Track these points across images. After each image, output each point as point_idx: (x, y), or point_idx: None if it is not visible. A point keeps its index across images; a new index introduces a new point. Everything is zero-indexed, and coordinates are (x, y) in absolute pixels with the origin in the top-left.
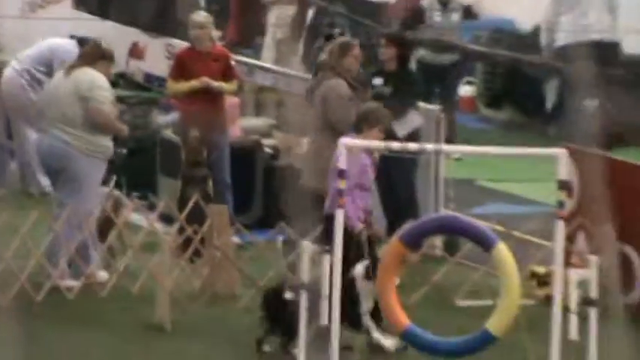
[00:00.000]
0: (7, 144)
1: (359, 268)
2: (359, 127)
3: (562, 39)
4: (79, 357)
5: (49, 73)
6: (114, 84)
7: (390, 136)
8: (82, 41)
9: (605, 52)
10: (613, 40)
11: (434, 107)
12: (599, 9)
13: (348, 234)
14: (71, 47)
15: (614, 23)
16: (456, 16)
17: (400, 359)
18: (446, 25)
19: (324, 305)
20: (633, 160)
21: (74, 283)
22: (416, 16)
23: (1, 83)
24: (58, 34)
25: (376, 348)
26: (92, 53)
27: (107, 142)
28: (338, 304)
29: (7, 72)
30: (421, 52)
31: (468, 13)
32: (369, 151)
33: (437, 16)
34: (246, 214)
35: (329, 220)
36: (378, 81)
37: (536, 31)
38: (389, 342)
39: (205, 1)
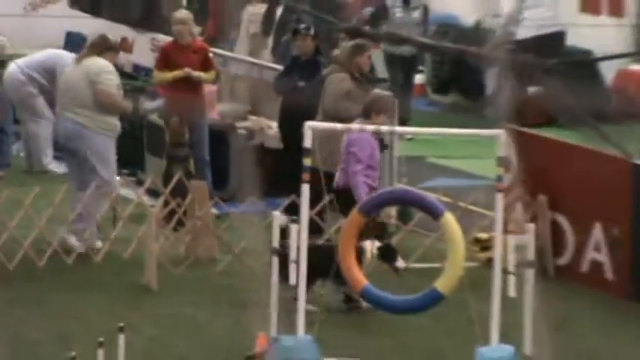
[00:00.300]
0: (12, 129)
1: (368, 243)
2: (367, 113)
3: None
4: (77, 315)
5: (51, 80)
6: None
7: (350, 117)
8: (75, 35)
9: (551, 42)
10: (559, 31)
11: (387, 93)
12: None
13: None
14: (70, 58)
15: (558, 16)
16: (416, 14)
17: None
18: (407, 21)
19: (293, 268)
20: (563, 138)
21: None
22: (380, 13)
23: (5, 78)
24: (56, 30)
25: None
26: (100, 44)
27: (115, 121)
28: (304, 266)
29: (10, 68)
30: (385, 45)
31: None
32: (376, 135)
33: (399, 13)
34: (223, 188)
35: (339, 192)
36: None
37: (477, 25)
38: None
39: (187, 0)
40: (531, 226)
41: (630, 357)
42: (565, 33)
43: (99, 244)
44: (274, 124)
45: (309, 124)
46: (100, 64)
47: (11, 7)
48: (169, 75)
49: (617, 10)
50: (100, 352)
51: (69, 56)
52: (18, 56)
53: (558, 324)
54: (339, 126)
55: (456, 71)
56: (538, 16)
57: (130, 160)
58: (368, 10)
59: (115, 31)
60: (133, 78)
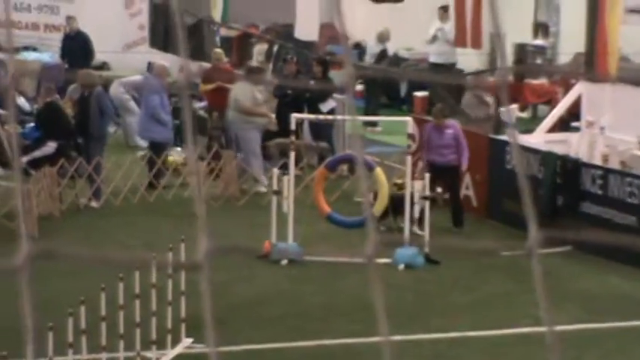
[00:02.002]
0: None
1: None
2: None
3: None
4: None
5: (139, 92)
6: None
7: (318, 111)
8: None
9: (446, 69)
10: (451, 62)
11: (341, 96)
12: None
13: None
14: (151, 80)
15: (452, 50)
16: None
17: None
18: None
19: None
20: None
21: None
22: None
23: (111, 89)
24: (142, 60)
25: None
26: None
27: (258, 120)
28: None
29: (115, 84)
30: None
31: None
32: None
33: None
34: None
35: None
36: (311, 82)
37: (382, 53)
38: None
39: (220, 42)
40: (427, 174)
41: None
42: (456, 63)
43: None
44: (273, 116)
45: (294, 116)
46: (241, 87)
47: (114, 46)
48: (210, 86)
49: (476, 44)
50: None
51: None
52: (118, 77)
53: (445, 233)
54: (311, 117)
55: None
56: (442, 49)
57: (185, 139)
58: (330, 47)
59: (177, 60)
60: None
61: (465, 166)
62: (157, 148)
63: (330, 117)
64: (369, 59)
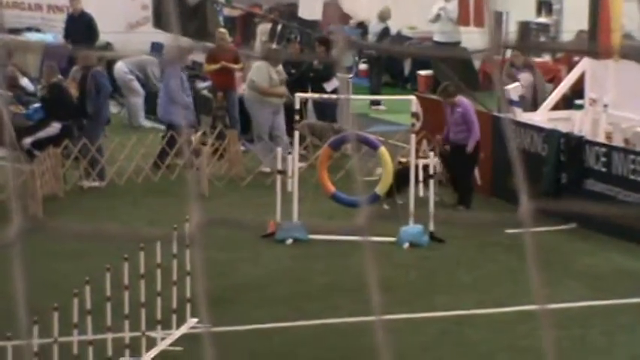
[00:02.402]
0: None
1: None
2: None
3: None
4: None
5: (142, 72)
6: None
7: (322, 90)
8: (157, 44)
9: (450, 47)
10: (456, 41)
11: (345, 75)
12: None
13: None
14: (156, 61)
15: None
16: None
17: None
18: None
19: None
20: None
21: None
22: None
23: (115, 70)
24: (145, 41)
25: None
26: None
27: (274, 100)
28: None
29: (118, 64)
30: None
31: (360, 24)
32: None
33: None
34: (246, 134)
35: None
36: (315, 62)
37: (384, 31)
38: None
39: (223, 22)
40: (431, 153)
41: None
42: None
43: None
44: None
45: (298, 95)
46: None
47: (117, 26)
48: (214, 66)
49: (479, 23)
50: (173, 235)
51: (153, 59)
52: (121, 57)
53: (450, 210)
54: (315, 96)
55: (386, 60)
56: (445, 29)
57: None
58: (331, 27)
59: (181, 41)
60: (192, 69)
61: (470, 146)
62: (177, 129)
63: (334, 96)
64: (371, 38)
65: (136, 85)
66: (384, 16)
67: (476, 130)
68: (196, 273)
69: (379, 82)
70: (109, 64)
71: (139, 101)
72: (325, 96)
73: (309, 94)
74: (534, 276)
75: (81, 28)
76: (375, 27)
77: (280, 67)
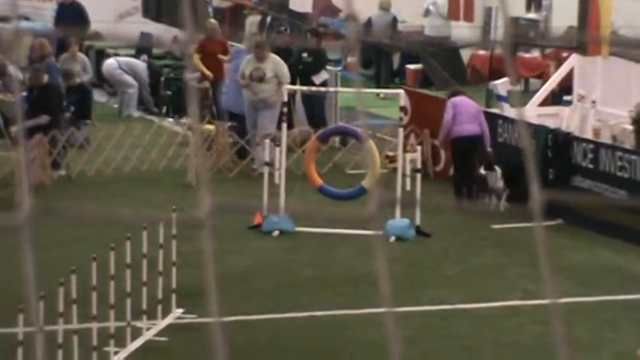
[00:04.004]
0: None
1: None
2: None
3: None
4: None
5: (134, 75)
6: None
7: (310, 83)
8: (146, 34)
9: (440, 42)
10: (445, 35)
11: (334, 68)
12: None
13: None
14: (144, 65)
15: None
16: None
17: None
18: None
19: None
20: (438, 94)
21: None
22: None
23: (105, 65)
24: (134, 30)
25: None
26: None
27: (248, 94)
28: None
29: (110, 60)
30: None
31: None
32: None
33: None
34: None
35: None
36: (304, 54)
37: (393, 22)
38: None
39: (212, 13)
40: (419, 147)
41: None
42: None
43: None
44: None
45: (286, 87)
46: None
47: (107, 16)
48: (202, 57)
49: (468, 17)
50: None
51: (141, 63)
52: (110, 47)
53: (434, 203)
54: (304, 88)
55: (375, 54)
56: (436, 23)
57: (177, 107)
58: (322, 19)
59: (170, 31)
60: (181, 60)
61: (439, 139)
62: (242, 120)
63: (322, 89)
64: (378, 28)
65: (127, 77)
66: (386, 6)
67: (443, 126)
68: (189, 267)
69: (389, 72)
70: (98, 57)
71: (133, 92)
72: (314, 88)
73: (297, 87)
74: (544, 270)
75: (72, 16)
76: (380, 18)
77: (265, 64)
